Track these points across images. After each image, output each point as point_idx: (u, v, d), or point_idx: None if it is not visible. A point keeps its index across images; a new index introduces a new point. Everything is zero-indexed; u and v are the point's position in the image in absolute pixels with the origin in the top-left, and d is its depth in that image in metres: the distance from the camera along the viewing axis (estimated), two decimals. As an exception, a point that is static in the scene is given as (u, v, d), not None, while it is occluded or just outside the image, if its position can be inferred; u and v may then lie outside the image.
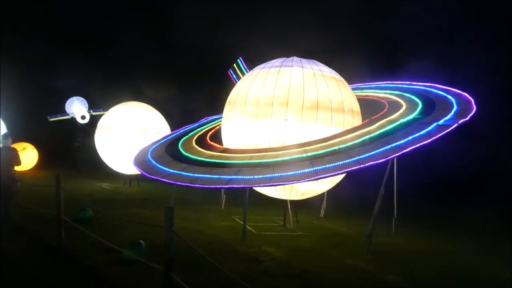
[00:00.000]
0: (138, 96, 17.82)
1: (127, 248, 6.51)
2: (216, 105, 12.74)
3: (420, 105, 8.95)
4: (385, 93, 10.60)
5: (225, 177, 7.43)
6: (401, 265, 7.51)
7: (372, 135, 7.89)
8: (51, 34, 28.66)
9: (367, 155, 7.16)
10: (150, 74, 26.33)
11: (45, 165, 20.48)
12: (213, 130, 10.98)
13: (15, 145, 19.54)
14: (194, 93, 25.32)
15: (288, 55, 9.83)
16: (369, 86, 11.72)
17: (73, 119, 25.34)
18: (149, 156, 9.84)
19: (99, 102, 25.22)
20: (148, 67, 27.60)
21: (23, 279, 6.05)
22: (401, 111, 8.90)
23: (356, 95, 9.90)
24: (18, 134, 20.93)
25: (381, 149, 7.22)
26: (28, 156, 20.04)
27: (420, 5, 20.22)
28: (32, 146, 20.43)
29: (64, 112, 25.25)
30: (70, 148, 25.20)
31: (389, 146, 7.26)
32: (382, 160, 7.07)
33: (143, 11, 28.77)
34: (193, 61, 27.00)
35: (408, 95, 9.89)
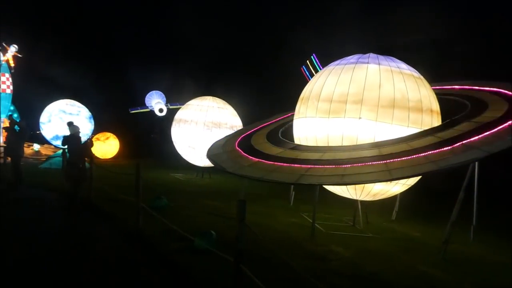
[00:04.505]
0: (213, 91, 18.30)
1: (199, 237, 6.76)
2: (288, 102, 12.75)
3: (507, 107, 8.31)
4: (468, 94, 9.97)
5: (296, 173, 7.42)
6: (477, 275, 7.05)
7: None
8: (135, 33, 30.38)
9: (446, 157, 6.78)
10: (224, 71, 26.99)
11: (125, 154, 21.77)
12: (284, 126, 11.00)
13: (100, 135, 21.12)
14: (267, 89, 25.54)
15: (364, 51, 9.58)
16: (452, 86, 11.07)
17: (152, 112, 26.74)
18: (222, 150, 10.09)
19: (177, 96, 26.34)
20: (223, 64, 28.30)
21: (104, 260, 6.52)
22: (486, 112, 8.31)
23: (436, 94, 9.40)
24: (103, 124, 22.51)
25: (462, 152, 6.81)
26: (110, 145, 21.49)
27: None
28: (114, 136, 21.81)
29: (144, 105, 26.73)
30: (148, 139, 26.61)
31: (471, 149, 6.82)
32: (463, 164, 6.66)
33: (221, 9, 29.51)
34: (267, 58, 27.23)
35: (493, 95, 9.22)
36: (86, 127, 19.54)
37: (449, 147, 7.06)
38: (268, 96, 24.25)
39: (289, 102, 11.96)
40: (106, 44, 29.12)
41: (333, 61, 9.83)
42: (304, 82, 11.26)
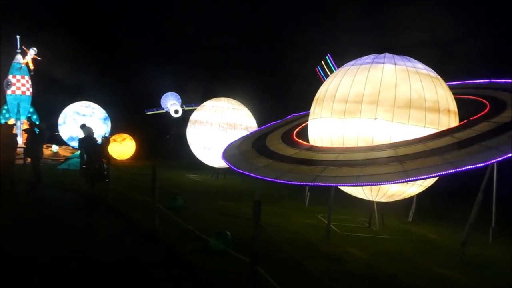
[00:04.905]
0: (227, 92, 18.36)
1: (214, 238, 6.79)
2: (303, 102, 12.73)
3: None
4: (487, 93, 9.81)
5: (311, 174, 7.40)
6: (496, 278, 6.93)
7: None
8: (152, 36, 30.70)
9: (464, 158, 6.69)
10: (239, 72, 27.05)
11: (141, 155, 21.96)
12: (299, 127, 10.98)
13: (116, 136, 21.36)
14: (281, 90, 25.52)
15: (380, 51, 9.51)
16: (469, 84, 10.91)
17: (167, 113, 26.95)
18: (237, 151, 10.12)
19: (192, 98, 26.49)
20: (237, 65, 28.38)
21: (120, 259, 6.60)
22: (504, 112, 8.17)
23: (454, 94, 9.28)
24: (119, 126, 22.79)
25: (481, 152, 6.70)
26: (126, 146, 21.69)
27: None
28: (131, 137, 22.02)
29: (159, 107, 26.96)
30: (163, 140, 26.81)
31: (489, 150, 6.71)
32: (481, 165, 6.56)
33: (237, 11, 29.61)
34: (281, 59, 27.22)
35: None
36: (100, 129, 19.83)
37: (467, 148, 6.96)
38: (283, 97, 24.23)
39: (304, 102, 11.94)
40: (123, 47, 29.55)
41: (348, 61, 9.79)
42: (319, 82, 11.23)
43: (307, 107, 10.30)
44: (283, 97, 24.13)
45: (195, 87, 27.03)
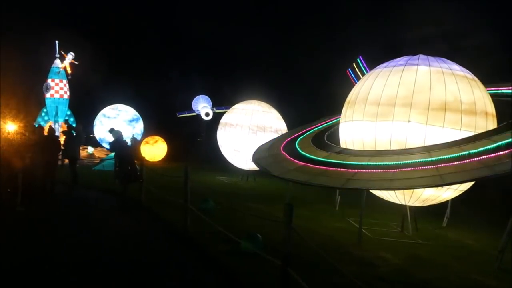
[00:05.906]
0: (258, 95, 18.43)
1: (246, 240, 6.83)
2: (334, 105, 12.64)
3: None
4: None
5: (342, 178, 7.34)
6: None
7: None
8: (184, 40, 31.19)
9: (502, 162, 6.48)
10: (269, 75, 27.09)
11: (172, 157, 22.31)
12: (330, 130, 10.91)
13: (149, 138, 21.80)
14: (311, 93, 25.40)
15: (414, 53, 9.34)
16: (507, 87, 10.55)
17: (198, 116, 27.28)
18: (267, 153, 10.15)
19: (223, 100, 26.72)
20: (267, 68, 28.43)
21: (152, 257, 6.74)
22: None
23: (491, 96, 9.01)
24: (152, 128, 23.26)
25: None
26: (159, 149, 22.07)
27: None
28: (163, 140, 22.39)
29: (190, 109, 27.31)
30: (194, 142, 27.12)
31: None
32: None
33: (266, 15, 29.67)
34: (311, 61, 27.10)
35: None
36: (126, 130, 20.28)
37: (506, 151, 6.74)
38: (313, 99, 24.11)
39: (334, 105, 11.85)
40: (158, 51, 30.21)
41: (378, 64, 9.66)
42: (350, 85, 11.12)
43: (338, 109, 10.22)
44: (313, 99, 24.02)
45: (225, 90, 27.28)
